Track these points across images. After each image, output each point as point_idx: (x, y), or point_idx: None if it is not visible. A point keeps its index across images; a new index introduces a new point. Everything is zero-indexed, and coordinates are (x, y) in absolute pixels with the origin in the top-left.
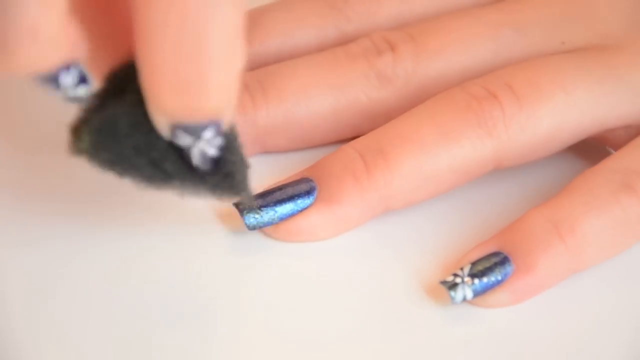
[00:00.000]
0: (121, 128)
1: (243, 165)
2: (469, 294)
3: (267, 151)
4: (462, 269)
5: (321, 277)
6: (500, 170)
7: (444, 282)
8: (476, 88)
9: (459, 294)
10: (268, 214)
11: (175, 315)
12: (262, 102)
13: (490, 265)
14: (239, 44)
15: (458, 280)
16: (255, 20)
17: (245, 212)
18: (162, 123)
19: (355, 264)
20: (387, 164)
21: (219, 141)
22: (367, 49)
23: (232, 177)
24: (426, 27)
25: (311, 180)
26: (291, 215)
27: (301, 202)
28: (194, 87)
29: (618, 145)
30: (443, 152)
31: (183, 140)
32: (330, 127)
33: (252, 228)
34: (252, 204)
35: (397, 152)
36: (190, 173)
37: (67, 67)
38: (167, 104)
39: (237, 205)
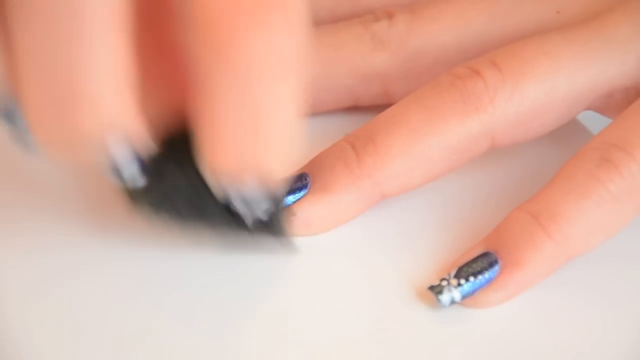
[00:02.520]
0: (179, 200)
1: (283, 215)
2: (457, 296)
3: None
4: (449, 272)
5: (313, 277)
6: (497, 173)
7: (431, 288)
8: (460, 69)
9: (445, 296)
10: None
11: (171, 313)
12: None
13: (476, 266)
14: (295, 117)
15: (444, 283)
16: None
17: None
18: (218, 188)
19: (348, 264)
20: (375, 148)
21: (269, 207)
22: (367, 18)
23: (272, 228)
24: (428, 1)
25: (306, 175)
26: (285, 205)
27: (296, 193)
28: (250, 157)
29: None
30: (431, 131)
31: (239, 206)
32: (323, 85)
33: None
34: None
35: (385, 136)
36: (237, 225)
37: (130, 159)
38: (223, 171)
39: None
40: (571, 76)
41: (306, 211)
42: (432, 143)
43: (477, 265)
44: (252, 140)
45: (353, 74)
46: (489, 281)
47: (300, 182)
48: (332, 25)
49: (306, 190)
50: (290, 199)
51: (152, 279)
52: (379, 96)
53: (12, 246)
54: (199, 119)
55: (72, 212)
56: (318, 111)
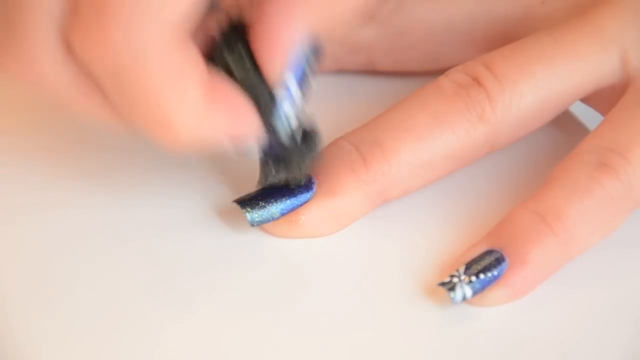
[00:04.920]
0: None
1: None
2: (469, 293)
3: None
4: (457, 270)
5: (319, 277)
6: (501, 170)
7: (442, 284)
8: (459, 75)
9: (458, 293)
10: (270, 210)
11: (174, 312)
12: None
13: (484, 263)
14: None
15: (455, 280)
16: None
17: (246, 208)
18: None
19: (354, 263)
20: (383, 155)
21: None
22: None
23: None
24: None
25: (312, 178)
26: (292, 209)
27: (302, 197)
28: None
29: (604, 107)
30: (438, 140)
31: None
32: None
33: (254, 224)
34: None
35: (392, 142)
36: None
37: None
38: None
39: (238, 202)
40: (564, 79)
41: (312, 214)
42: (438, 151)
43: (485, 262)
44: None
45: (340, 44)
46: (496, 278)
47: (306, 186)
48: None
49: (312, 193)
50: (301, 197)
51: (151, 275)
52: (364, 65)
53: (12, 245)
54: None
55: (71, 211)
56: None
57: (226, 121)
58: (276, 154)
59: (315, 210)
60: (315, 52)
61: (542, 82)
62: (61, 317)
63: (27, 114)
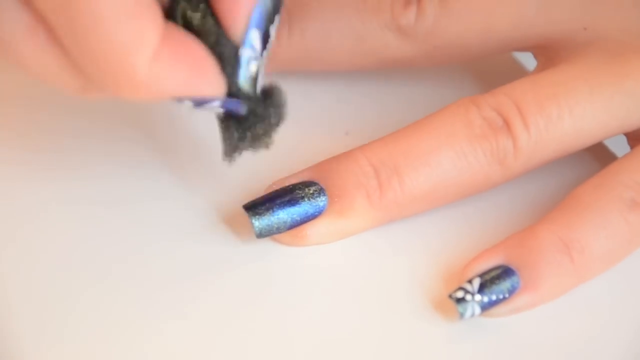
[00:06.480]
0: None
1: (272, 118)
2: (478, 311)
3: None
4: (470, 282)
5: (325, 284)
6: (512, 181)
7: (452, 297)
8: (491, 114)
9: (468, 311)
10: (276, 223)
11: (176, 315)
12: (285, 32)
13: (499, 283)
14: None
15: (468, 297)
16: None
17: (254, 219)
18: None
19: (359, 272)
20: (401, 187)
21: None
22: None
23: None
24: None
25: (318, 184)
26: (299, 221)
27: (309, 207)
28: None
29: (635, 138)
30: (457, 179)
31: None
32: (347, 68)
33: (261, 236)
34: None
35: (412, 175)
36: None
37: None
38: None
39: (247, 209)
40: (588, 135)
41: (318, 231)
42: (453, 187)
43: (502, 286)
44: None
45: (376, 62)
46: (506, 299)
47: (312, 190)
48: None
49: (322, 203)
50: (308, 208)
51: (157, 283)
52: (400, 68)
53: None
54: None
55: (76, 213)
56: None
57: (186, 70)
58: (238, 114)
59: (321, 227)
60: (276, 7)
61: (568, 137)
62: (62, 320)
63: (31, 114)
